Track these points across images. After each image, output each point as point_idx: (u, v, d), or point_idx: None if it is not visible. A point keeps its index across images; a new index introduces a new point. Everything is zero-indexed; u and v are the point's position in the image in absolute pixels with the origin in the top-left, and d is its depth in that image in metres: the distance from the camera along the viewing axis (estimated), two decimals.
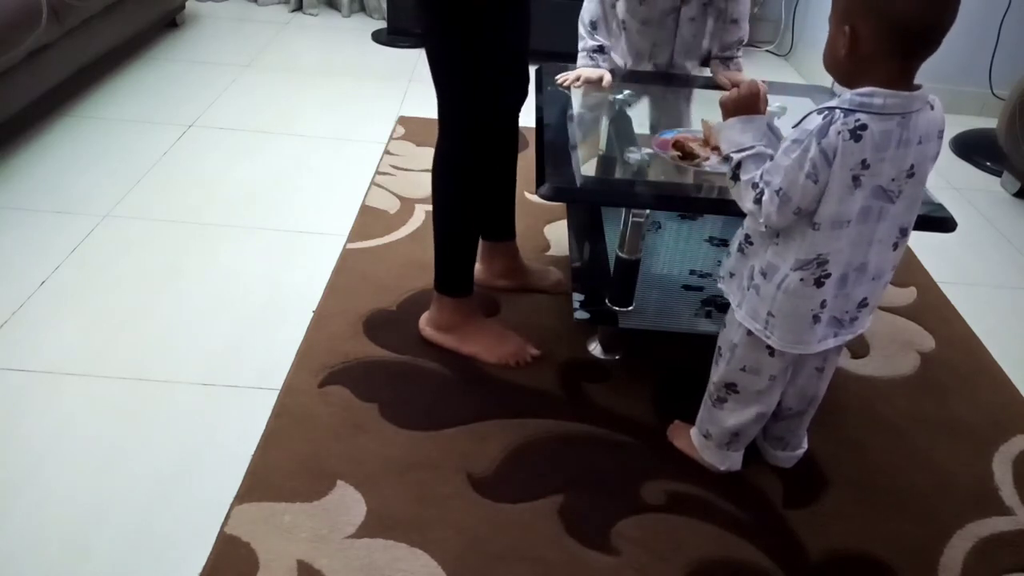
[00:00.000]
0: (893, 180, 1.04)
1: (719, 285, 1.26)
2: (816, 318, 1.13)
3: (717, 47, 1.78)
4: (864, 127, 0.99)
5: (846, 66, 1.02)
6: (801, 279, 1.10)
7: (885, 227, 1.09)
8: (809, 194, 1.03)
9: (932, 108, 1.05)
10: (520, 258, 1.76)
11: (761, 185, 1.07)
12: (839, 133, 0.99)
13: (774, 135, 1.13)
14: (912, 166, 1.05)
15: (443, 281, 1.54)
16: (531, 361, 1.56)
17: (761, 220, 1.09)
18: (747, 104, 1.13)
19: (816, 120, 1.02)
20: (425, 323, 1.59)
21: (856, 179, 1.02)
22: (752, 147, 1.10)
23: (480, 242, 1.64)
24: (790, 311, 1.13)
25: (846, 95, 1.01)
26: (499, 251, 1.73)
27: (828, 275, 1.09)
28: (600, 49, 1.75)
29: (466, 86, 1.35)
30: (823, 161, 1.01)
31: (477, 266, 1.66)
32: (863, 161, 1.01)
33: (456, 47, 1.31)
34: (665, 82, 1.80)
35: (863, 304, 1.15)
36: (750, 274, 1.17)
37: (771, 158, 1.08)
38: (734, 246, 1.21)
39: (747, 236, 1.18)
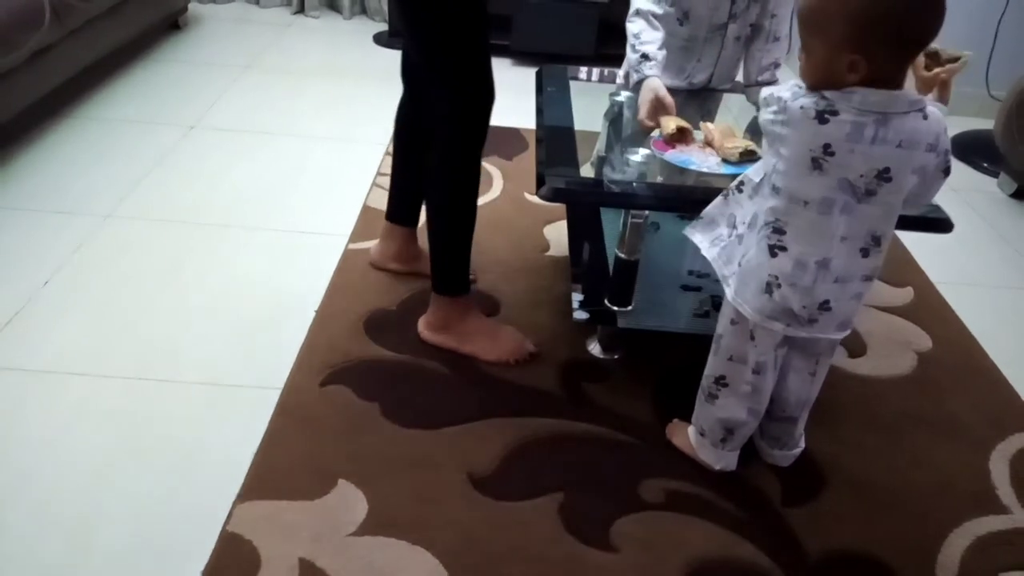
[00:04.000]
0: (861, 176, 1.05)
1: (686, 231, 1.27)
2: (768, 288, 1.14)
3: (755, 70, 1.72)
4: (834, 113, 1.01)
5: (852, 84, 1.02)
6: (757, 241, 1.13)
7: (852, 225, 1.09)
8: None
9: (925, 118, 1.05)
10: (417, 244, 1.78)
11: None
12: (803, 107, 1.02)
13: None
14: (888, 169, 1.05)
15: (443, 282, 1.54)
16: (529, 358, 1.57)
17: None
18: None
19: (794, 90, 1.05)
20: (424, 326, 1.60)
21: (816, 162, 1.04)
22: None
23: (384, 222, 1.76)
24: (750, 267, 1.16)
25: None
26: (398, 234, 1.75)
27: (783, 247, 1.11)
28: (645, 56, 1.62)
29: (469, 67, 1.35)
30: (785, 115, 1.04)
31: (374, 245, 1.77)
32: (826, 146, 1.02)
33: (459, 35, 1.32)
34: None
35: (825, 307, 1.14)
36: (732, 223, 1.19)
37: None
38: (724, 193, 1.23)
39: (739, 183, 1.20)
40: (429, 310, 1.59)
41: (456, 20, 1.31)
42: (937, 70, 1.14)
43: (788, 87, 1.07)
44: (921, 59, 1.19)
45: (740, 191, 1.19)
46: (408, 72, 1.60)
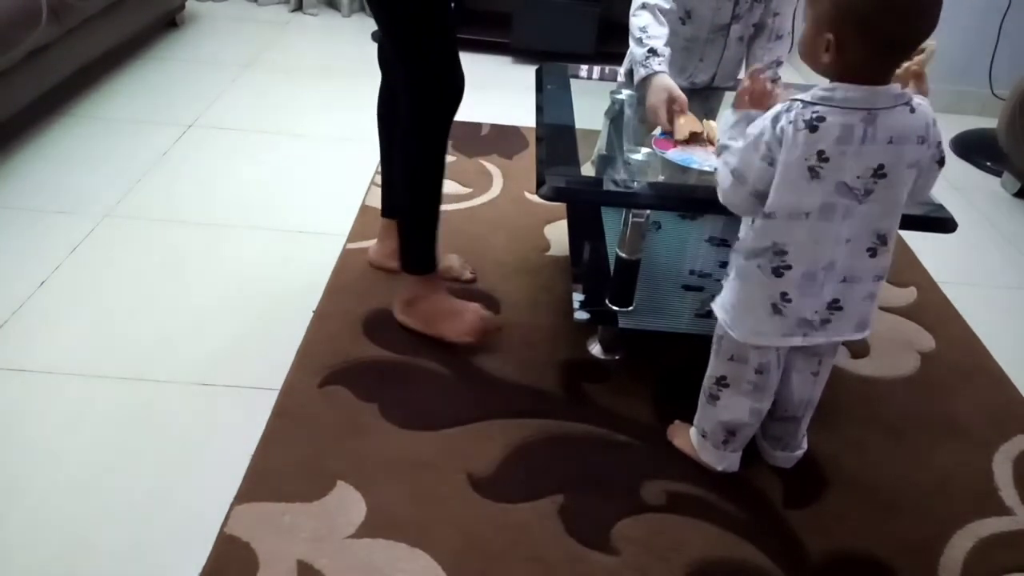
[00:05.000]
0: (858, 177, 1.05)
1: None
2: (775, 308, 1.14)
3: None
4: (822, 119, 1.01)
5: (826, 66, 1.04)
6: (758, 266, 1.12)
7: (855, 227, 1.09)
8: (766, 176, 1.06)
9: (912, 111, 1.04)
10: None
11: (719, 166, 1.12)
12: (791, 122, 1.02)
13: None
14: (882, 166, 1.05)
15: (408, 260, 1.58)
16: (494, 331, 1.60)
17: (720, 198, 1.13)
18: (747, 99, 1.16)
19: (777, 108, 1.05)
20: (396, 307, 1.63)
21: (812, 170, 1.04)
22: (718, 140, 1.16)
23: (381, 220, 1.76)
24: (746, 298, 1.15)
25: (813, 90, 1.04)
26: (395, 231, 1.72)
27: (788, 267, 1.10)
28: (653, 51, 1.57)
29: (433, 49, 1.38)
30: (777, 145, 1.04)
31: (372, 244, 1.78)
32: (820, 152, 1.02)
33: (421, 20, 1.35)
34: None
35: (835, 307, 1.14)
36: (729, 267, 1.20)
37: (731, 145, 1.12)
38: None
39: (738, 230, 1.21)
40: (400, 289, 1.62)
41: (421, 8, 1.33)
42: (906, 64, 1.14)
43: (757, 124, 1.07)
44: None
45: (740, 238, 1.20)
46: (384, 61, 1.61)
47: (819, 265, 1.10)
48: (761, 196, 1.08)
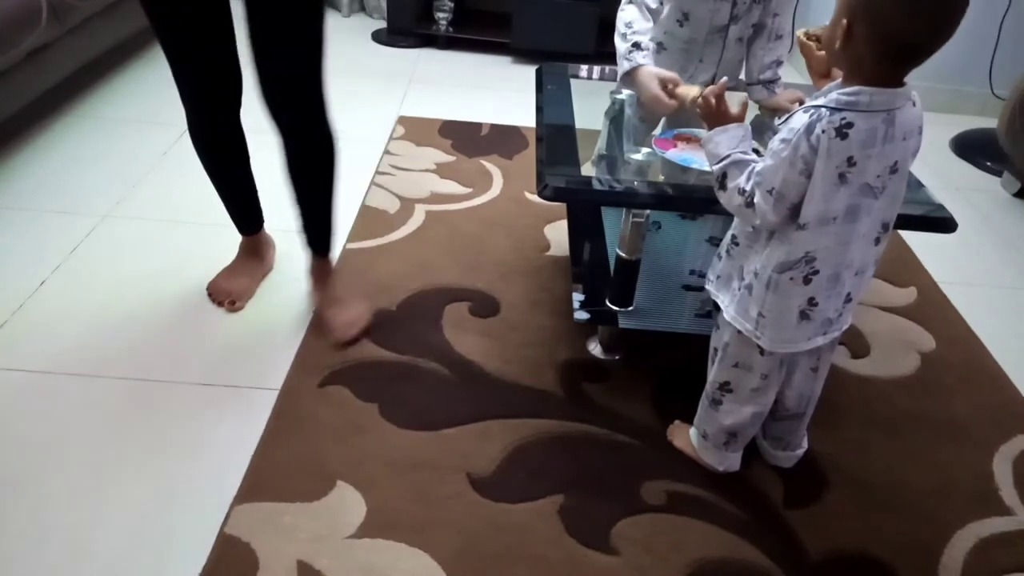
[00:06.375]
0: (878, 177, 1.05)
1: (707, 286, 1.27)
2: (803, 315, 1.14)
3: (757, 68, 1.69)
4: (850, 125, 1.01)
5: (839, 56, 1.03)
6: (791, 279, 1.12)
7: (868, 222, 1.10)
8: (803, 189, 1.05)
9: (914, 104, 1.06)
10: (324, 281, 1.65)
11: (749, 188, 1.09)
12: (824, 131, 1.01)
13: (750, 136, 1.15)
14: (896, 162, 1.06)
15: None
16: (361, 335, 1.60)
17: (757, 221, 1.11)
18: (715, 116, 1.15)
19: (803, 119, 1.04)
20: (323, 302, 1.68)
21: (842, 176, 1.04)
22: (727, 155, 1.12)
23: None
24: (779, 311, 1.14)
25: (832, 94, 1.03)
26: (313, 264, 1.66)
27: (816, 272, 1.11)
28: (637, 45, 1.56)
29: (171, 66, 1.55)
30: (813, 156, 1.03)
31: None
32: (849, 159, 1.02)
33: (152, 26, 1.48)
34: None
35: (847, 299, 1.17)
36: (740, 275, 1.18)
37: (752, 161, 1.10)
38: (722, 249, 1.23)
39: (733, 237, 1.20)
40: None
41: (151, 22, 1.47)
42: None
43: (798, 121, 1.04)
44: (811, 43, 1.27)
45: (737, 244, 1.19)
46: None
47: (843, 265, 1.11)
48: (795, 209, 1.07)
